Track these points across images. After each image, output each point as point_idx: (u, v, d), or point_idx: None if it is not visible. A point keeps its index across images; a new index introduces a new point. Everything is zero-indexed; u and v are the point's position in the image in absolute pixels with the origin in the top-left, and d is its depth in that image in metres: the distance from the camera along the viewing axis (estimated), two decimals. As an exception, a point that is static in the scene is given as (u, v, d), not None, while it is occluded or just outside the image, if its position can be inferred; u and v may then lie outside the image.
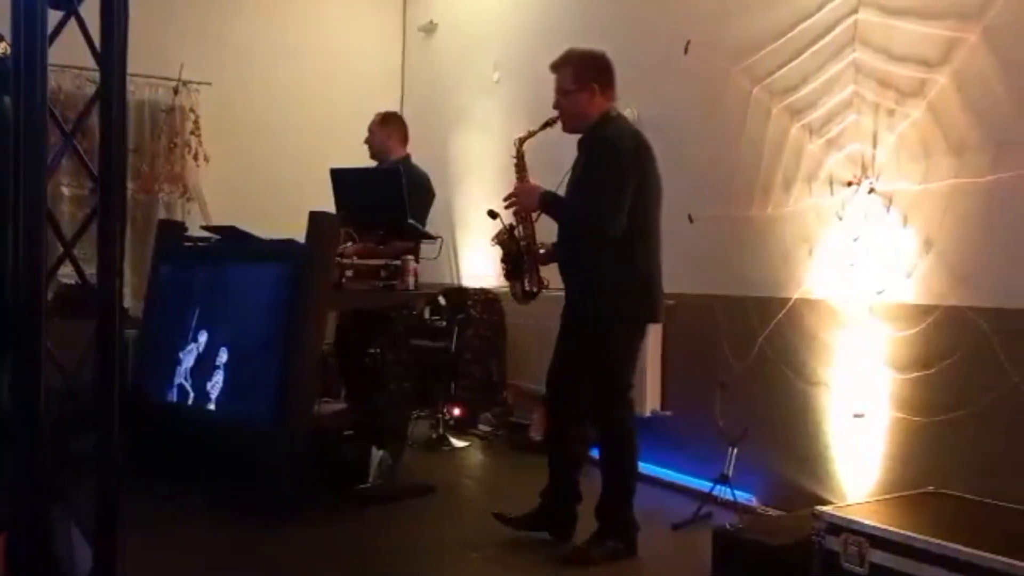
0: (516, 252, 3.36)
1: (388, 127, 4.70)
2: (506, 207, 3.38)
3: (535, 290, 3.42)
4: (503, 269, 3.44)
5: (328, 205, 4.14)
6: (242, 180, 5.96)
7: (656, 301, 3.29)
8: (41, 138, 1.79)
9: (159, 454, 3.91)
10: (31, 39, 1.79)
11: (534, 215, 3.36)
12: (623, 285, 3.20)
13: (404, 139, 4.71)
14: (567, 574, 3.15)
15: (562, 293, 3.41)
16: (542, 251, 3.43)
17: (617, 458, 3.30)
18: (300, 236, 3.74)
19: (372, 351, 4.15)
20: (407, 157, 4.68)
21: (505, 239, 3.36)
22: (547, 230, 3.48)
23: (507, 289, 5.51)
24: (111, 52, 1.85)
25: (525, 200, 3.28)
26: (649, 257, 3.23)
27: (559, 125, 3.33)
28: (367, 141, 4.73)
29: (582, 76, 3.23)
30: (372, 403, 4.17)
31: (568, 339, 3.35)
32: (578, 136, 3.32)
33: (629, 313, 3.24)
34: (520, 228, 3.37)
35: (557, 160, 3.46)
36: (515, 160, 3.39)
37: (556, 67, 3.30)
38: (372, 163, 4.73)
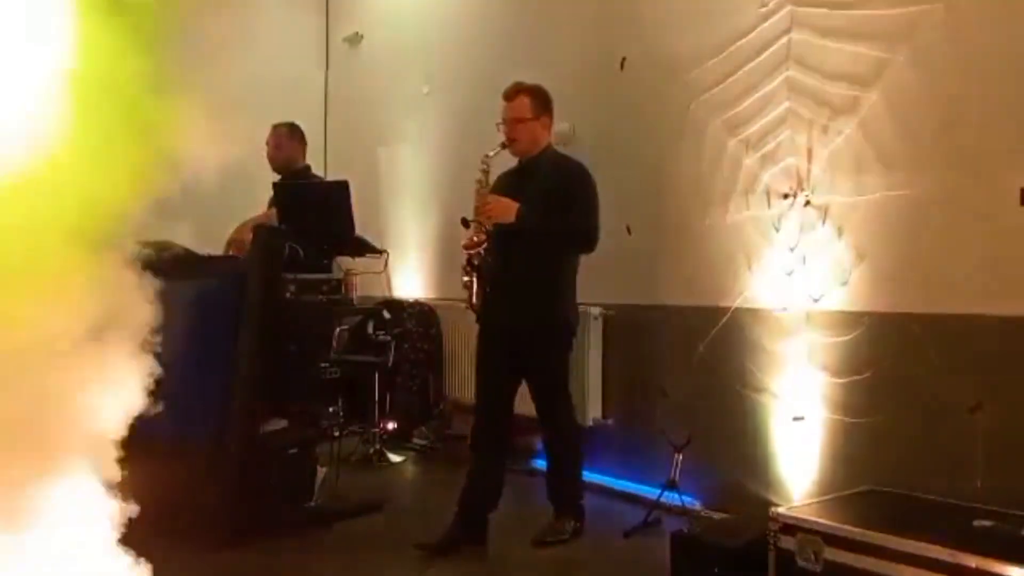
0: (480, 262, 3.49)
1: (295, 138, 4.76)
2: (482, 218, 3.47)
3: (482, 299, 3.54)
4: (468, 279, 3.51)
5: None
6: (173, 196, 5.75)
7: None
8: None
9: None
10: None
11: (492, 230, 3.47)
12: (572, 298, 3.60)
13: (306, 149, 4.80)
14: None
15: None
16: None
17: (570, 448, 3.67)
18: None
19: (319, 365, 4.06)
20: (309, 167, 4.77)
21: (475, 247, 3.47)
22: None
23: (442, 301, 5.56)
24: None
25: (502, 212, 3.42)
26: (576, 273, 3.65)
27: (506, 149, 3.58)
28: (272, 152, 4.72)
29: (538, 106, 3.57)
30: (315, 420, 4.08)
31: (515, 353, 3.51)
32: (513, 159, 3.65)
33: (575, 323, 3.66)
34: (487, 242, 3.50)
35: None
36: (482, 174, 3.55)
37: (510, 96, 3.58)
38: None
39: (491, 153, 3.57)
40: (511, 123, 3.54)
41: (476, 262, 3.47)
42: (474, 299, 3.49)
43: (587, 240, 3.50)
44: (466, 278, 3.49)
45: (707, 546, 3.03)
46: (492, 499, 3.50)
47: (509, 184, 3.59)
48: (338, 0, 6.93)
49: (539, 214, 3.43)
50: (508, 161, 3.71)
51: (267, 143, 4.73)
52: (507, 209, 3.43)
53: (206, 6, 6.56)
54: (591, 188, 3.52)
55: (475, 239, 3.46)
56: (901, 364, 3.30)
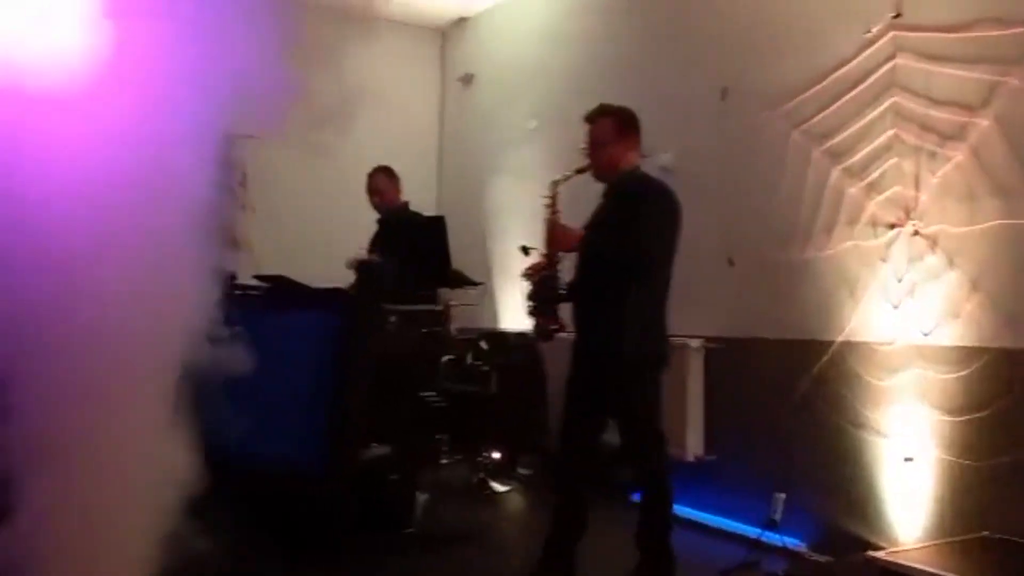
0: (543, 290, 3.41)
1: (392, 179, 4.90)
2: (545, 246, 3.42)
3: (555, 328, 3.44)
4: (528, 306, 3.46)
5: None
6: (286, 230, 6.08)
7: (667, 348, 3.38)
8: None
9: (202, 499, 3.95)
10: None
11: (559, 256, 3.41)
12: (652, 328, 3.30)
13: (400, 186, 4.95)
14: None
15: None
16: (562, 291, 3.46)
17: (655, 490, 3.32)
18: (344, 283, 3.82)
19: (418, 395, 4.18)
20: (407, 203, 4.89)
21: (534, 276, 3.42)
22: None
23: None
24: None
25: (562, 238, 3.36)
26: (663, 304, 3.34)
27: (590, 173, 3.42)
28: (380, 194, 4.84)
29: (620, 129, 3.39)
30: (415, 448, 4.19)
31: (595, 387, 3.34)
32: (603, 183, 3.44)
33: (656, 353, 3.32)
34: (548, 268, 3.42)
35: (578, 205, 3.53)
36: (549, 201, 3.45)
37: (592, 119, 3.43)
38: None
39: (559, 178, 3.47)
40: (591, 146, 3.40)
41: (536, 289, 3.40)
42: (544, 325, 3.42)
43: (632, 264, 3.22)
44: (528, 304, 3.45)
45: (802, 589, 2.92)
46: (576, 533, 3.39)
47: (598, 209, 3.47)
48: (453, 44, 7.18)
49: (603, 240, 3.29)
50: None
51: (369, 191, 4.89)
52: (563, 238, 3.35)
53: (340, 57, 6.91)
54: (647, 210, 3.25)
55: (533, 266, 3.42)
56: (1021, 403, 3.10)
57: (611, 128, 3.37)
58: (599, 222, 3.37)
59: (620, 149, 3.36)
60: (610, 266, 3.28)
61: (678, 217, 3.32)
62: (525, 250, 3.49)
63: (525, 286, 3.49)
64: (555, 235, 3.37)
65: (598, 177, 3.42)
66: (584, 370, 3.38)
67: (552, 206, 3.45)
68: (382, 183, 4.86)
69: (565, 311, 3.46)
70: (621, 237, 3.23)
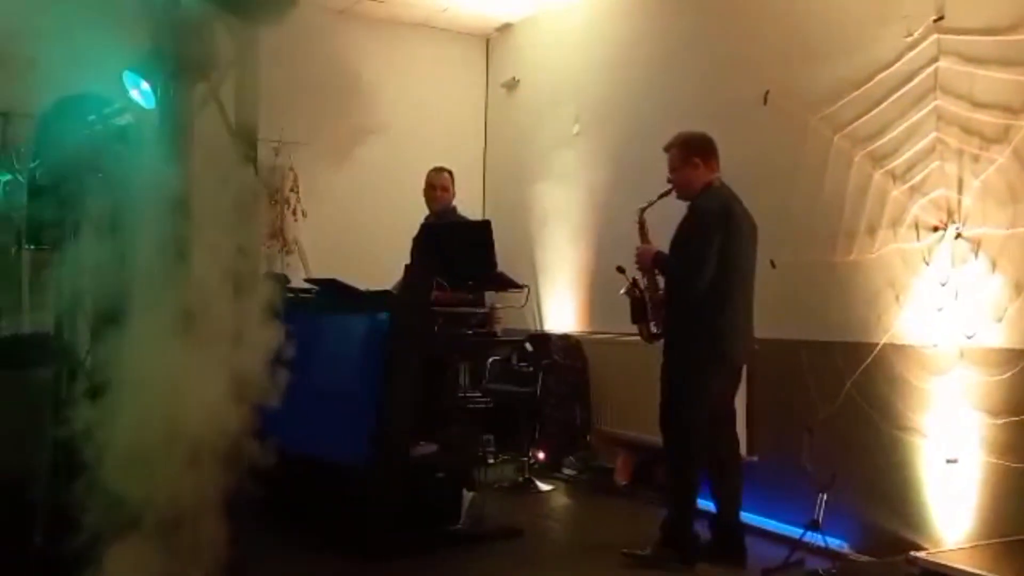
0: (640, 301, 3.89)
1: (453, 183, 5.01)
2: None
3: (659, 331, 3.86)
4: (632, 315, 3.92)
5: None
6: (337, 233, 6.25)
7: (726, 347, 3.71)
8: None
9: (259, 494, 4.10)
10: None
11: (654, 270, 3.89)
12: (703, 329, 3.66)
13: None
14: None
15: (636, 338, 3.98)
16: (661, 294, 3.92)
17: (676, 478, 3.74)
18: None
19: (462, 395, 4.29)
20: (455, 208, 5.01)
21: (631, 291, 3.91)
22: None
23: (589, 335, 5.71)
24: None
25: (642, 259, 3.88)
26: (723, 309, 3.66)
27: (673, 195, 3.86)
28: (439, 196, 4.94)
29: (686, 154, 3.79)
30: (461, 446, 4.30)
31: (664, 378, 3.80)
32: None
33: (706, 353, 3.68)
34: (644, 280, 3.91)
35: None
36: (639, 225, 3.93)
37: (667, 149, 3.87)
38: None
39: (644, 205, 3.92)
40: (670, 173, 3.84)
41: (632, 301, 3.88)
42: (644, 331, 3.90)
43: (683, 279, 3.69)
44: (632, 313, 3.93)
45: (842, 588, 2.95)
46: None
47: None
48: (497, 50, 7.29)
49: (670, 257, 3.77)
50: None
51: (434, 186, 4.98)
52: (645, 255, 3.86)
53: (381, 66, 7.06)
54: (696, 230, 3.67)
55: (629, 284, 3.91)
56: (1065, 405, 3.10)
57: (677, 155, 3.80)
58: (673, 240, 3.81)
59: (689, 170, 3.77)
60: (670, 280, 3.81)
61: (727, 227, 3.65)
62: (620, 269, 3.99)
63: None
64: (637, 256, 3.89)
65: (680, 197, 3.83)
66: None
67: (641, 229, 3.93)
68: (447, 180, 4.98)
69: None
70: (680, 256, 3.72)
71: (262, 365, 2.28)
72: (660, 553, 3.62)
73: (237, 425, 2.23)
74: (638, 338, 3.97)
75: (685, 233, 3.73)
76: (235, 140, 2.09)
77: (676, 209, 3.85)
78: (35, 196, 3.56)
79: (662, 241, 3.87)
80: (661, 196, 3.85)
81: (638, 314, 3.91)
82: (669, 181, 3.83)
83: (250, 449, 2.24)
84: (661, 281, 3.90)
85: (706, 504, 3.84)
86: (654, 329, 3.87)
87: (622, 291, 3.95)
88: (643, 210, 3.92)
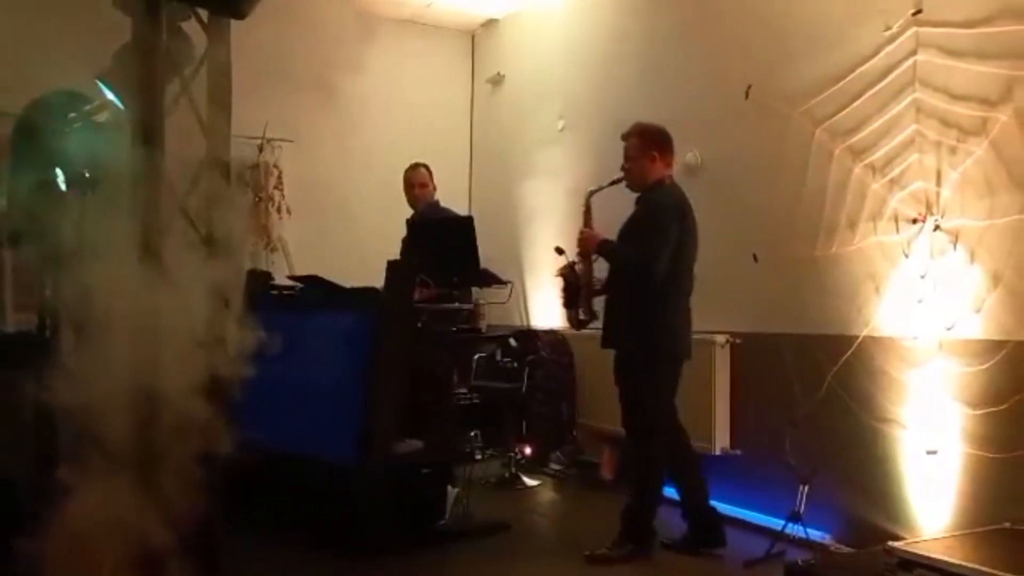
0: (575, 285, 3.89)
1: (431, 174, 5.02)
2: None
3: (587, 319, 3.91)
4: (562, 298, 3.95)
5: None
6: (322, 231, 6.24)
7: (678, 344, 3.76)
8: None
9: (242, 493, 4.11)
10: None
11: (592, 256, 3.87)
12: (665, 324, 3.72)
13: None
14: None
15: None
16: (596, 287, 3.94)
17: (639, 472, 3.82)
18: (378, 283, 3.95)
19: (450, 392, 4.30)
20: (438, 201, 5.02)
21: (567, 273, 3.91)
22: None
23: (576, 331, 5.70)
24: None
25: (587, 243, 3.84)
26: (675, 306, 3.75)
27: (624, 183, 3.87)
28: (418, 193, 4.95)
29: (645, 146, 3.81)
30: (447, 443, 4.30)
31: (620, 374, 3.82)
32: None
33: (665, 348, 3.73)
34: (580, 265, 3.91)
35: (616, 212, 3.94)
36: (584, 209, 3.94)
37: (625, 137, 3.88)
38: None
39: (594, 188, 3.97)
40: (624, 160, 3.85)
41: (567, 284, 3.88)
42: (575, 316, 3.92)
43: (639, 273, 3.67)
44: (562, 297, 3.94)
45: (821, 579, 2.97)
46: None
47: (629, 217, 3.88)
48: (483, 45, 7.29)
49: (620, 247, 3.74)
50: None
51: (412, 184, 4.99)
52: (591, 239, 3.82)
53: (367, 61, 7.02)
54: (655, 224, 3.68)
55: (566, 265, 3.90)
56: (1044, 396, 3.12)
57: (636, 146, 3.81)
58: (623, 231, 3.80)
59: (645, 163, 3.79)
60: (621, 270, 3.77)
61: (682, 222, 3.71)
62: (559, 250, 3.96)
63: (559, 282, 3.97)
64: (581, 238, 3.86)
65: (631, 187, 3.86)
66: (614, 360, 3.83)
67: (586, 213, 3.94)
68: (424, 176, 4.99)
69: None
70: (636, 247, 3.69)
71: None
72: (625, 550, 3.69)
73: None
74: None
75: (639, 225, 3.74)
76: (208, 135, 2.07)
77: (617, 199, 3.90)
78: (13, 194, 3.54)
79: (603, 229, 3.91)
80: (612, 183, 3.88)
81: (571, 299, 3.90)
82: (623, 169, 3.84)
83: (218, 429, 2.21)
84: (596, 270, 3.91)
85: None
86: (582, 316, 3.90)
87: (556, 272, 3.94)
88: (592, 193, 3.96)
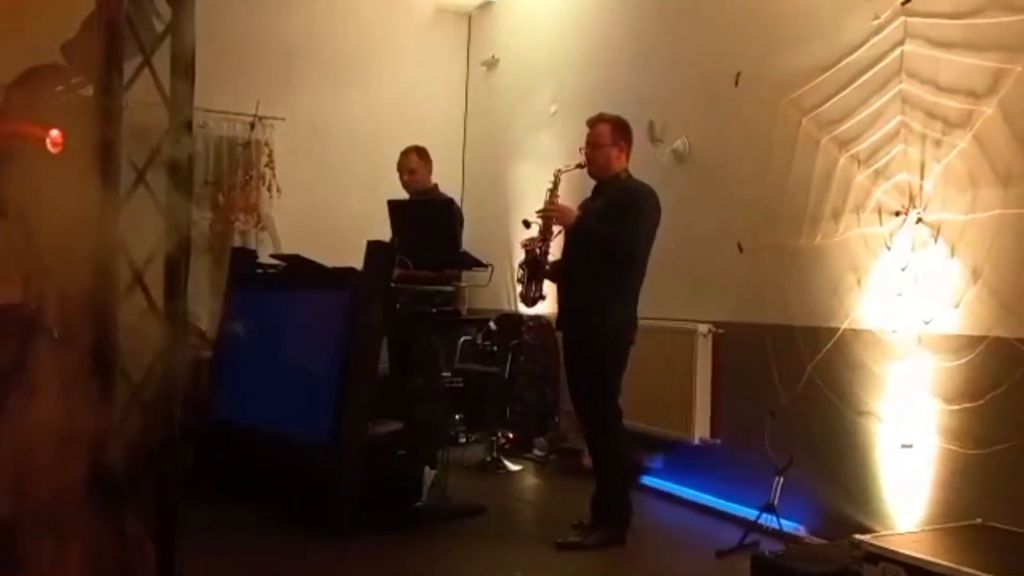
0: (537, 262, 3.88)
1: (424, 159, 4.96)
2: (541, 216, 3.87)
3: (539, 296, 3.93)
4: (520, 272, 3.93)
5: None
6: (312, 210, 6.21)
7: (632, 332, 3.79)
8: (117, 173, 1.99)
9: (221, 469, 4.13)
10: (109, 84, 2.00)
11: (553, 232, 3.87)
12: (625, 309, 3.76)
13: (431, 167, 5.05)
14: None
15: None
16: (547, 267, 3.93)
17: (607, 457, 3.78)
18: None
19: (429, 374, 4.30)
20: (436, 185, 4.97)
21: (533, 248, 3.88)
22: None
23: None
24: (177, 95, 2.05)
25: (563, 216, 3.80)
26: (635, 296, 3.78)
27: (584, 169, 3.89)
28: (412, 173, 4.90)
29: (616, 135, 3.84)
30: (423, 424, 4.30)
31: (573, 360, 3.85)
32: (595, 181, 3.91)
33: (623, 333, 3.76)
34: (544, 243, 3.89)
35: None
36: (552, 185, 3.95)
37: (592, 123, 3.87)
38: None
39: (563, 168, 3.95)
40: (589, 147, 3.84)
41: (530, 259, 3.86)
42: (528, 293, 3.90)
43: (623, 252, 3.66)
44: (520, 272, 3.91)
45: (788, 571, 2.96)
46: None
47: (586, 205, 3.91)
48: (478, 28, 7.24)
49: (599, 227, 3.70)
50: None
51: (401, 171, 4.94)
52: (566, 214, 3.79)
53: (362, 42, 6.98)
54: (645, 208, 3.71)
55: (531, 239, 3.86)
56: (1020, 392, 3.09)
57: (606, 133, 3.82)
58: (599, 215, 3.76)
59: (613, 152, 3.81)
60: (600, 250, 3.71)
61: (659, 216, 3.77)
62: (527, 224, 3.92)
63: (522, 255, 3.95)
64: (558, 210, 3.82)
65: (592, 175, 3.88)
66: (567, 344, 3.88)
67: (553, 190, 3.92)
68: (414, 162, 4.92)
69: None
70: (619, 228, 3.65)
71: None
72: (595, 537, 3.69)
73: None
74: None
75: (619, 209, 3.70)
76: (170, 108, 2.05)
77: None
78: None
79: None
80: (578, 166, 3.90)
81: (532, 273, 3.88)
82: (585, 155, 3.84)
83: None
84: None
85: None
86: (534, 293, 3.90)
87: (523, 241, 3.91)
88: (560, 172, 3.96)
